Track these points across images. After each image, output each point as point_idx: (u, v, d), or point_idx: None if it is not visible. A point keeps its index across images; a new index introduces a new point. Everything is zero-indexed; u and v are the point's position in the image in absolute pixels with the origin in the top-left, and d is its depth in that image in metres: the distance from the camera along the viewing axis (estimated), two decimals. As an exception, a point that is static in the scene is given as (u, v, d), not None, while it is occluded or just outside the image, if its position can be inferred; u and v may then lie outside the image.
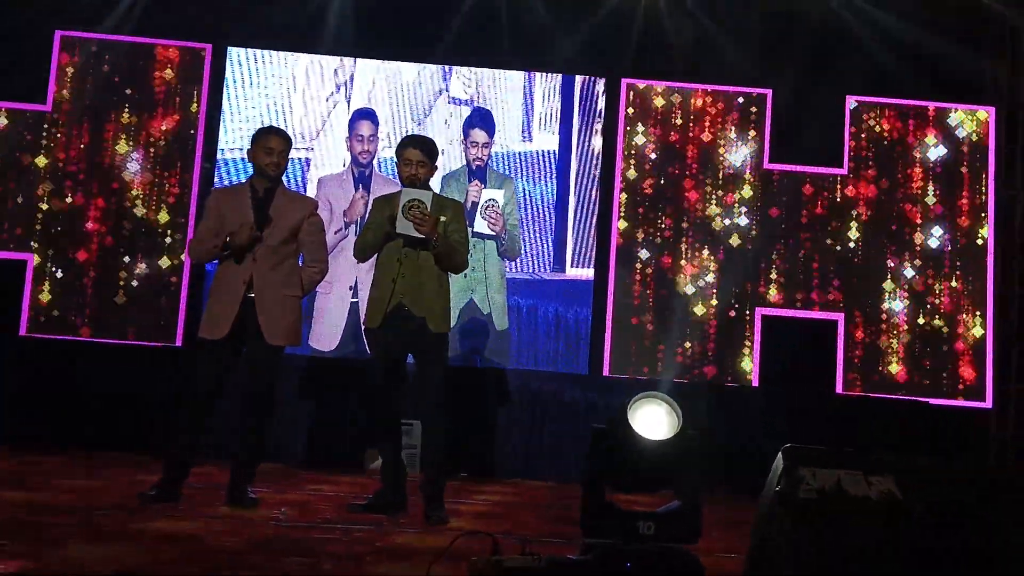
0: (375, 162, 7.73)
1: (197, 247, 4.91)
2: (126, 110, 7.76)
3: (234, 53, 7.87)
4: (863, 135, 7.95)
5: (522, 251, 7.73)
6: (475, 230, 7.50)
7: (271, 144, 4.87)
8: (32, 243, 7.57)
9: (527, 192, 7.82)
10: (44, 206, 7.61)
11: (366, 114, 7.83)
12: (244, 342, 4.78)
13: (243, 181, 5.12)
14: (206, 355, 4.77)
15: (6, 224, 7.59)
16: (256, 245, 4.73)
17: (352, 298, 7.50)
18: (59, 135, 7.69)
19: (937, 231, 7.84)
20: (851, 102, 7.96)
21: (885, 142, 7.95)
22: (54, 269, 7.56)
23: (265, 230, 4.77)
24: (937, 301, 7.77)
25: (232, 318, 4.71)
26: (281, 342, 4.80)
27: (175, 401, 5.03)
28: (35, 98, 7.69)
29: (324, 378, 7.35)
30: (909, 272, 7.79)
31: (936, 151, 7.93)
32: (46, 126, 7.69)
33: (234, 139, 7.76)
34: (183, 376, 5.23)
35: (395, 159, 4.94)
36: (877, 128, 7.96)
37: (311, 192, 7.59)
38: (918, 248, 7.82)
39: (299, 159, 7.65)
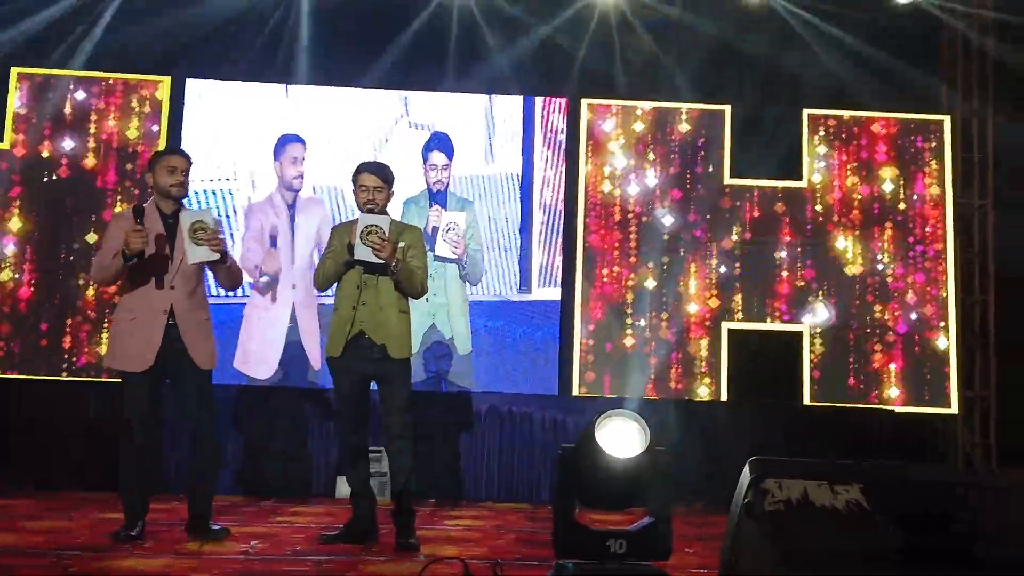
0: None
1: (101, 272, 4.64)
2: (84, 143, 7.68)
3: (192, 85, 7.83)
4: (821, 148, 8.03)
5: (484, 275, 7.71)
6: (436, 253, 7.49)
7: (174, 163, 4.76)
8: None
9: (491, 214, 7.81)
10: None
11: (296, 138, 7.79)
12: (167, 371, 4.63)
13: (142, 204, 4.73)
14: (134, 389, 4.58)
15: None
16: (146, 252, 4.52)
17: (289, 323, 7.44)
18: (15, 170, 7.60)
19: (897, 240, 7.92)
20: (808, 115, 8.05)
21: (843, 155, 8.03)
22: (7, 305, 7.45)
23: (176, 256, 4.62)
24: (900, 309, 7.84)
25: (157, 347, 4.55)
26: (209, 365, 4.70)
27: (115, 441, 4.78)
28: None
29: (282, 407, 7.23)
30: (871, 281, 7.87)
31: (894, 162, 8.02)
32: (2, 163, 7.60)
33: (193, 171, 7.65)
34: (116, 414, 4.97)
35: (352, 186, 4.91)
36: (835, 141, 8.05)
37: (240, 218, 7.58)
38: (879, 257, 7.89)
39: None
